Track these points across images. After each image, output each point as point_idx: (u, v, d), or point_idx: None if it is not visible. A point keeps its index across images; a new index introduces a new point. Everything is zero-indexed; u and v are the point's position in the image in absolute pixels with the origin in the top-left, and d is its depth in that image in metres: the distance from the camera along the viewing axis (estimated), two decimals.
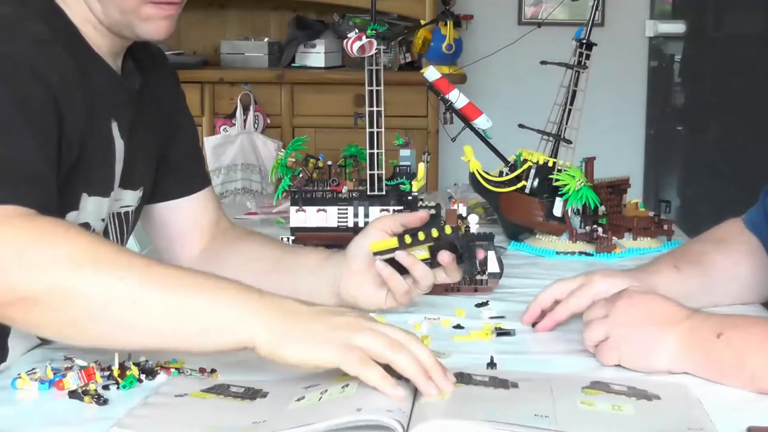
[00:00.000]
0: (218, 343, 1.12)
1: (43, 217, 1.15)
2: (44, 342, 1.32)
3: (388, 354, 1.07)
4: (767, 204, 1.51)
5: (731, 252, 1.52)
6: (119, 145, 1.42)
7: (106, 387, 1.15)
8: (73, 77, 1.29)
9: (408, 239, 1.38)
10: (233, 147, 3.81)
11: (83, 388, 1.14)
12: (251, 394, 1.13)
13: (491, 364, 1.23)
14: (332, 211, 1.80)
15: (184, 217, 1.62)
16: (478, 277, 1.59)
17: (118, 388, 1.16)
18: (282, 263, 1.54)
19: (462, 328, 1.42)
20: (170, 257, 1.61)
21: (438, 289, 1.58)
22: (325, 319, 1.12)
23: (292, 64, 4.05)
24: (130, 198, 1.50)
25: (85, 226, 1.38)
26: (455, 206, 1.70)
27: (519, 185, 1.94)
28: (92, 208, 1.39)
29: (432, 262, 1.39)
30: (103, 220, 1.43)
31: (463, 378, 1.13)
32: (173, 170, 1.59)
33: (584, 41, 2.00)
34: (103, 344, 1.15)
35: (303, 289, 1.42)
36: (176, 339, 1.12)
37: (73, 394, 1.13)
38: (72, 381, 1.15)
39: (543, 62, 2.05)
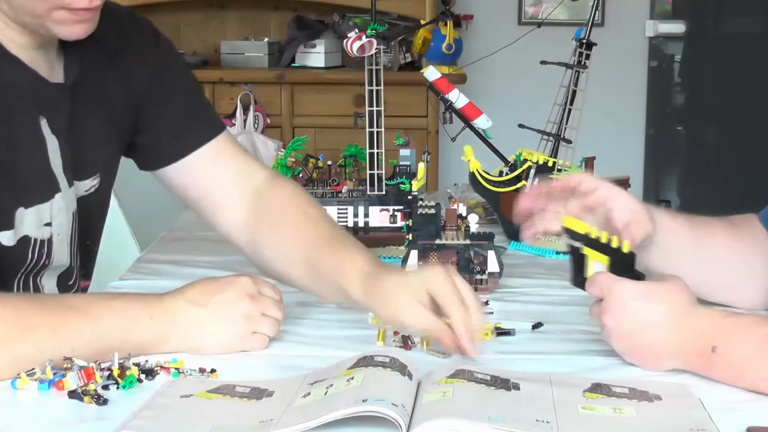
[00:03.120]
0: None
1: None
2: None
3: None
4: None
5: (737, 236, 1.47)
6: (52, 143, 1.37)
7: (105, 387, 1.15)
8: None
9: (603, 236, 1.26)
10: None
11: (83, 388, 1.14)
12: (257, 393, 1.13)
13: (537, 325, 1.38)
14: (332, 211, 1.80)
15: (195, 177, 1.53)
16: (478, 276, 1.59)
17: (117, 388, 1.16)
18: (313, 266, 1.44)
19: None
20: (217, 230, 1.55)
21: None
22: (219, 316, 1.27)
23: (292, 64, 4.05)
24: (86, 185, 1.46)
25: (25, 240, 1.36)
26: (455, 206, 1.70)
27: (519, 185, 1.94)
28: (31, 218, 1.36)
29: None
30: (48, 224, 1.39)
31: (464, 374, 1.13)
32: (166, 133, 1.52)
33: (584, 41, 2.00)
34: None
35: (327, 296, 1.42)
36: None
37: (72, 394, 1.13)
38: (72, 381, 1.15)
39: (543, 62, 2.05)
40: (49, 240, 1.40)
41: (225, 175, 1.53)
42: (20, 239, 1.35)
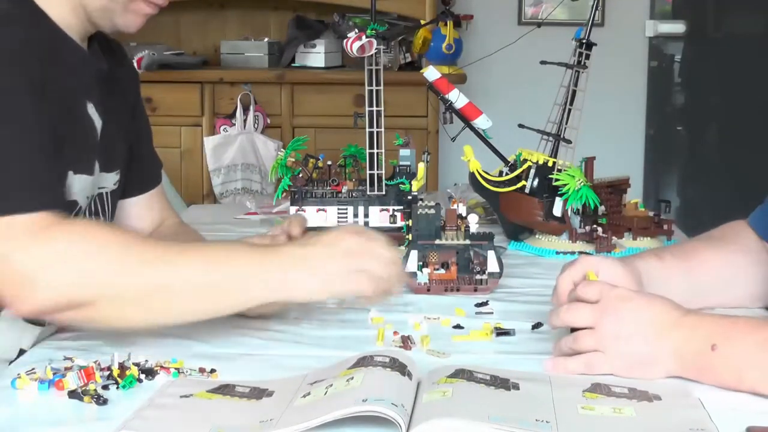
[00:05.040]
0: (246, 303, 1.27)
1: (75, 221, 1.23)
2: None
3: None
4: None
5: (724, 251, 1.49)
6: (98, 124, 1.43)
7: (105, 387, 1.15)
8: (46, 56, 1.30)
9: None
10: (233, 147, 3.81)
11: (83, 388, 1.14)
12: (257, 393, 1.13)
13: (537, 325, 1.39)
14: (332, 210, 1.81)
15: (127, 214, 1.63)
16: (478, 276, 1.59)
17: (117, 388, 1.16)
18: None
19: (462, 328, 1.42)
20: None
21: (438, 289, 1.58)
22: (321, 255, 1.26)
23: (292, 64, 4.05)
24: (107, 180, 1.50)
25: (73, 204, 1.40)
26: (455, 206, 1.70)
27: (519, 185, 1.94)
28: (79, 186, 1.40)
29: None
30: (88, 197, 1.44)
31: (464, 374, 1.13)
32: (129, 169, 1.60)
33: (584, 41, 2.00)
34: (147, 325, 1.28)
35: None
36: (213, 306, 1.26)
37: (72, 394, 1.13)
38: (72, 381, 1.15)
39: (543, 62, 2.05)
40: (84, 215, 1.45)
41: (146, 222, 1.65)
42: (69, 202, 1.39)
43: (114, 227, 1.31)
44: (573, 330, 1.25)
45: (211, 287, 1.24)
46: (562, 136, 1.97)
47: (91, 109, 1.42)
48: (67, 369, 1.19)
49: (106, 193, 1.50)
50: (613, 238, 1.91)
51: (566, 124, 1.98)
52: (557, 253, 1.88)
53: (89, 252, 1.21)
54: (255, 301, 1.27)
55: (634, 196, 2.10)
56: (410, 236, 1.63)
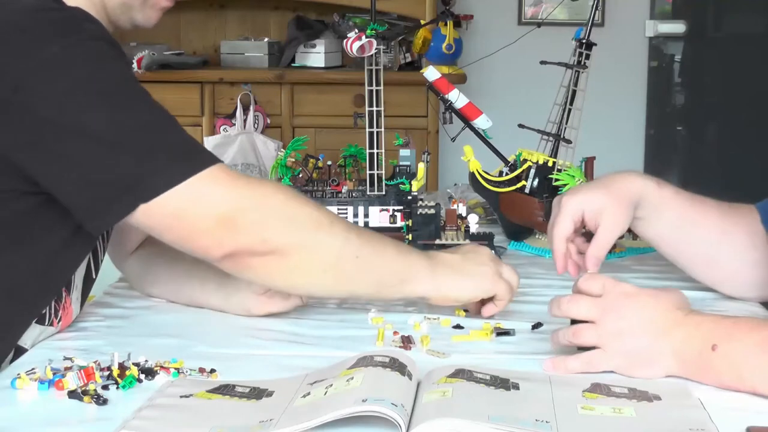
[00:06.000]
0: (406, 293, 1.37)
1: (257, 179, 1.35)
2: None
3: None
4: None
5: (728, 222, 1.50)
6: None
7: (105, 387, 1.16)
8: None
9: None
10: (233, 147, 3.81)
11: (83, 388, 1.14)
12: (257, 393, 1.13)
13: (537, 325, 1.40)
14: (332, 210, 1.80)
15: None
16: None
17: (117, 388, 1.16)
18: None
19: (462, 328, 1.42)
20: (111, 251, 1.60)
21: None
22: (471, 261, 1.40)
23: (292, 64, 4.05)
24: None
25: None
26: (455, 206, 1.70)
27: (519, 185, 1.93)
28: None
29: None
30: None
31: (464, 374, 1.13)
32: None
33: (584, 41, 2.00)
34: (323, 293, 1.42)
35: (213, 302, 1.47)
36: (381, 289, 1.35)
37: (72, 394, 1.13)
38: (71, 381, 1.15)
39: (543, 62, 2.05)
40: None
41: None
42: None
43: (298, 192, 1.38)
44: (573, 322, 1.25)
45: (396, 272, 1.34)
46: (562, 136, 1.97)
47: None
48: (67, 369, 1.19)
49: None
50: None
51: (566, 124, 1.98)
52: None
53: (288, 202, 1.28)
54: (416, 294, 1.37)
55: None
56: (410, 236, 1.63)
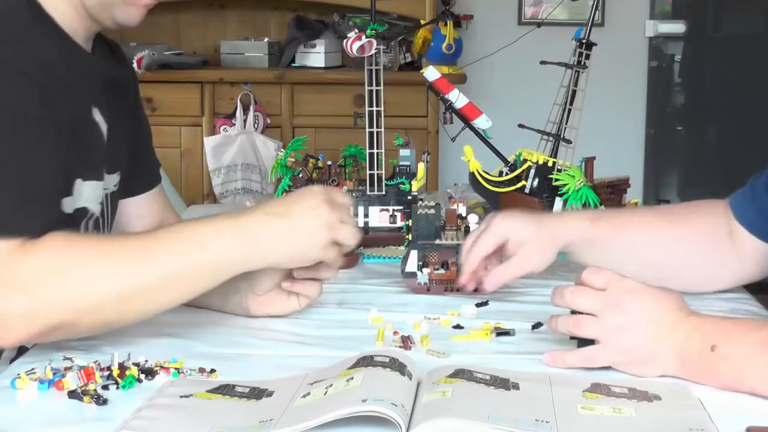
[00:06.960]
0: (228, 275, 1.26)
1: (36, 244, 1.19)
2: None
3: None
4: (755, 188, 1.50)
5: (681, 230, 1.51)
6: (104, 128, 1.44)
7: (105, 387, 1.16)
8: (55, 65, 1.31)
9: None
10: (233, 147, 3.81)
11: (83, 388, 1.14)
12: (257, 393, 1.13)
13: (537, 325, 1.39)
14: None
15: (128, 214, 1.62)
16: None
17: (117, 388, 1.16)
18: None
19: (462, 328, 1.42)
20: None
21: (438, 289, 1.58)
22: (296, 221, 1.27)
23: (292, 64, 4.05)
24: (108, 181, 1.51)
25: (83, 211, 1.40)
26: (455, 206, 1.70)
27: (519, 185, 1.93)
28: (88, 193, 1.40)
29: None
30: (101, 203, 1.44)
31: (464, 374, 1.13)
32: (130, 169, 1.59)
33: (584, 41, 2.00)
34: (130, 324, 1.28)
35: (212, 302, 1.45)
36: (192, 289, 1.26)
37: (72, 394, 1.13)
38: (71, 381, 1.15)
39: (543, 62, 2.05)
40: (96, 219, 1.45)
41: (147, 222, 1.62)
42: (78, 209, 1.39)
43: (71, 238, 1.25)
44: (574, 312, 1.25)
45: (187, 274, 1.24)
46: (562, 136, 1.97)
47: (97, 115, 1.43)
48: (67, 369, 1.19)
49: (108, 194, 1.50)
50: None
51: (566, 124, 1.98)
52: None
53: (55, 279, 1.19)
54: (236, 273, 1.27)
55: (634, 196, 2.09)
56: (410, 236, 1.63)
